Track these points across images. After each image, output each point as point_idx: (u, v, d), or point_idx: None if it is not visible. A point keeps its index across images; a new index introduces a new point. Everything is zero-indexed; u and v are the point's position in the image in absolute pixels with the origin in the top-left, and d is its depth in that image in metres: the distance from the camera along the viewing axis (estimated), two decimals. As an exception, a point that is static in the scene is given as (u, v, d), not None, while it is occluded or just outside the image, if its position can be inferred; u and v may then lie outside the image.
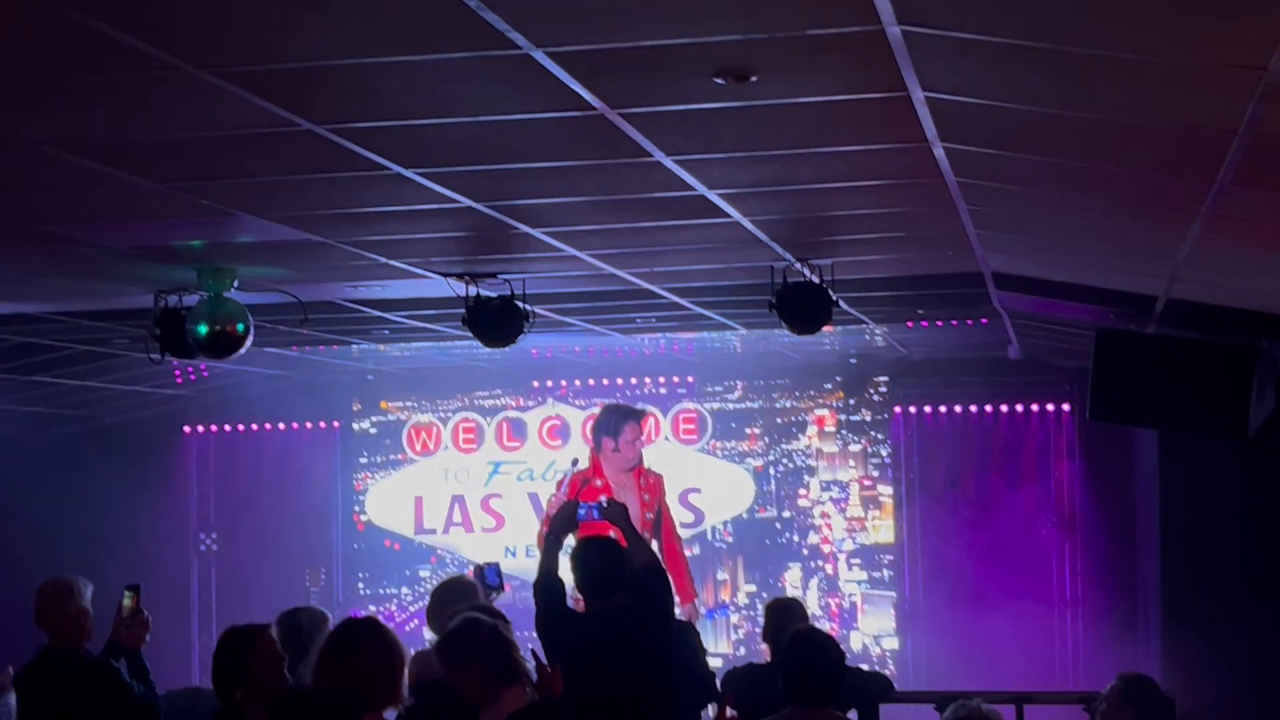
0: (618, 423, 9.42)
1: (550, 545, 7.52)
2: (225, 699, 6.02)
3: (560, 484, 9.66)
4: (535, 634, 7.32)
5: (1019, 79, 4.71)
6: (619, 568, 7.20)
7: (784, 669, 6.39)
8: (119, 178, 6.12)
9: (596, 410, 10.50)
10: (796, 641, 6.48)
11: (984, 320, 11.51)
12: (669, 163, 6.12)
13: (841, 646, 6.71)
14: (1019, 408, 14.59)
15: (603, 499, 8.19)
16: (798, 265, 8.55)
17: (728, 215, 7.26)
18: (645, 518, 9.21)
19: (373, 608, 15.31)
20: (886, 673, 14.29)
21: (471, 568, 8.30)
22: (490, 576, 8.21)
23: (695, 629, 8.55)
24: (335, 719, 4.95)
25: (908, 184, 6.63)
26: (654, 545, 9.36)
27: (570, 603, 7.53)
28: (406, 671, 6.13)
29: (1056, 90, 4.78)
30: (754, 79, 4.83)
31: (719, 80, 4.83)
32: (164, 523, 15.78)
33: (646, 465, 9.70)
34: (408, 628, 14.71)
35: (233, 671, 6.00)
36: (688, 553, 10.76)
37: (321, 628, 7.24)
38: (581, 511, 7.79)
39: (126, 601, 7.23)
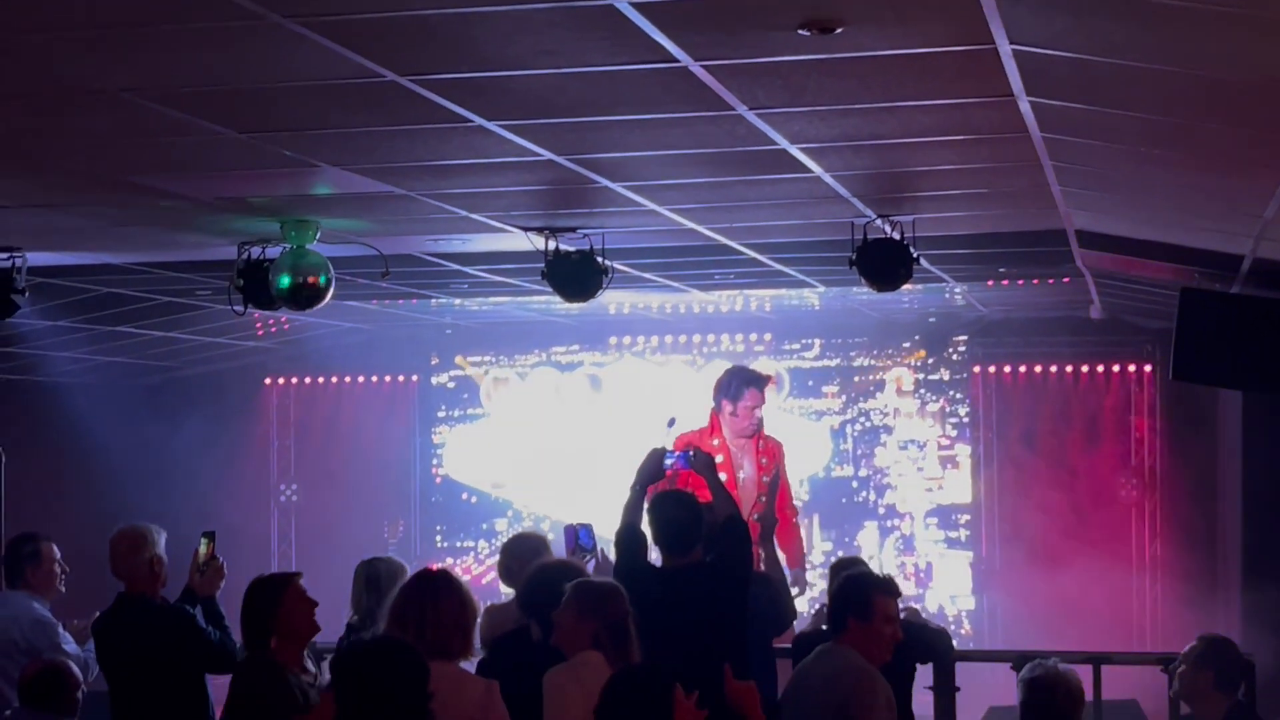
0: (739, 387, 9.17)
1: (635, 494, 7.41)
2: (255, 645, 6.15)
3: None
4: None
5: (1108, 31, 4.65)
6: (695, 523, 7.08)
7: (830, 605, 6.58)
8: (204, 128, 6.16)
9: (680, 362, 10.30)
10: (847, 582, 6.53)
11: (1066, 279, 11.41)
12: (751, 116, 6.09)
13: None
14: (1100, 368, 14.48)
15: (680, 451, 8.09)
16: (878, 221, 8.49)
17: (809, 170, 7.22)
18: (761, 481, 9.10)
19: (450, 560, 15.43)
20: (963, 631, 14.36)
21: (562, 527, 8.17)
22: (584, 538, 8.00)
23: (771, 579, 8.47)
24: (404, 668, 4.94)
25: (992, 139, 6.57)
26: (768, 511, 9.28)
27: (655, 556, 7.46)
28: (479, 625, 6.16)
29: (1145, 43, 4.73)
30: (839, 31, 4.80)
31: (803, 32, 4.80)
32: (244, 473, 15.96)
33: (766, 431, 9.54)
34: (484, 580, 14.79)
35: (264, 618, 6.15)
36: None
37: (399, 578, 7.26)
38: (668, 460, 7.65)
39: (202, 549, 7.30)
